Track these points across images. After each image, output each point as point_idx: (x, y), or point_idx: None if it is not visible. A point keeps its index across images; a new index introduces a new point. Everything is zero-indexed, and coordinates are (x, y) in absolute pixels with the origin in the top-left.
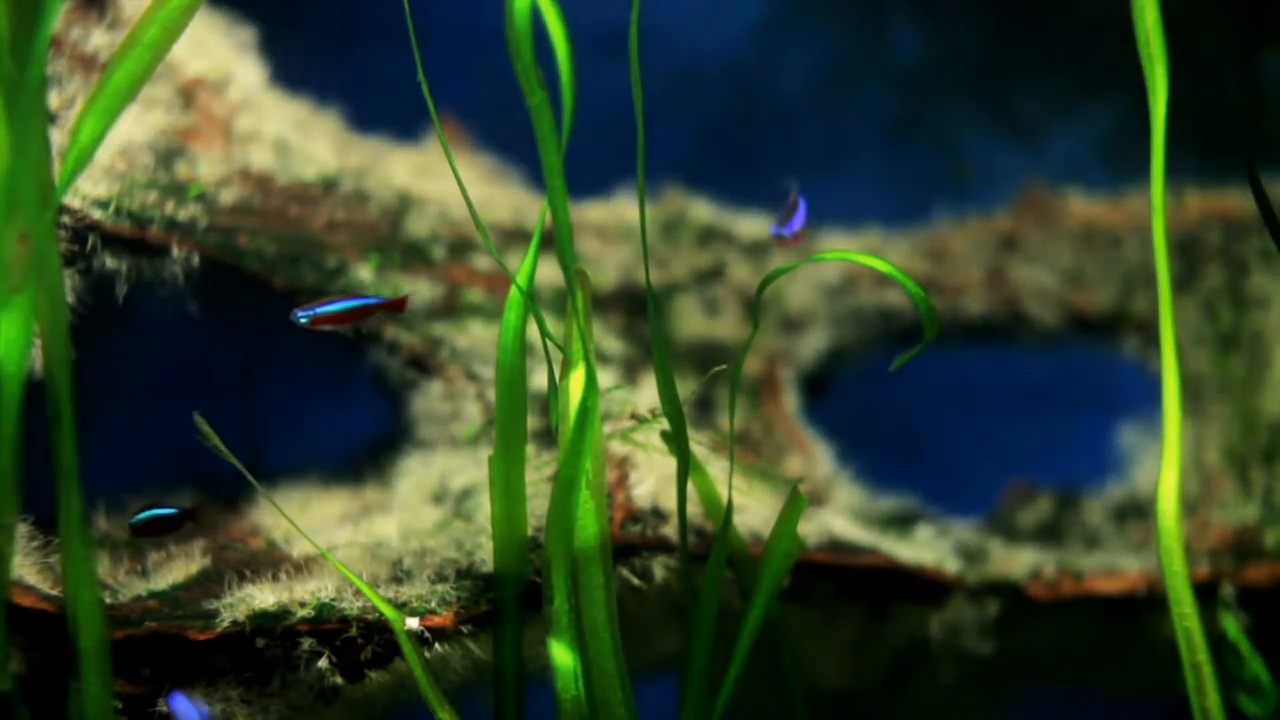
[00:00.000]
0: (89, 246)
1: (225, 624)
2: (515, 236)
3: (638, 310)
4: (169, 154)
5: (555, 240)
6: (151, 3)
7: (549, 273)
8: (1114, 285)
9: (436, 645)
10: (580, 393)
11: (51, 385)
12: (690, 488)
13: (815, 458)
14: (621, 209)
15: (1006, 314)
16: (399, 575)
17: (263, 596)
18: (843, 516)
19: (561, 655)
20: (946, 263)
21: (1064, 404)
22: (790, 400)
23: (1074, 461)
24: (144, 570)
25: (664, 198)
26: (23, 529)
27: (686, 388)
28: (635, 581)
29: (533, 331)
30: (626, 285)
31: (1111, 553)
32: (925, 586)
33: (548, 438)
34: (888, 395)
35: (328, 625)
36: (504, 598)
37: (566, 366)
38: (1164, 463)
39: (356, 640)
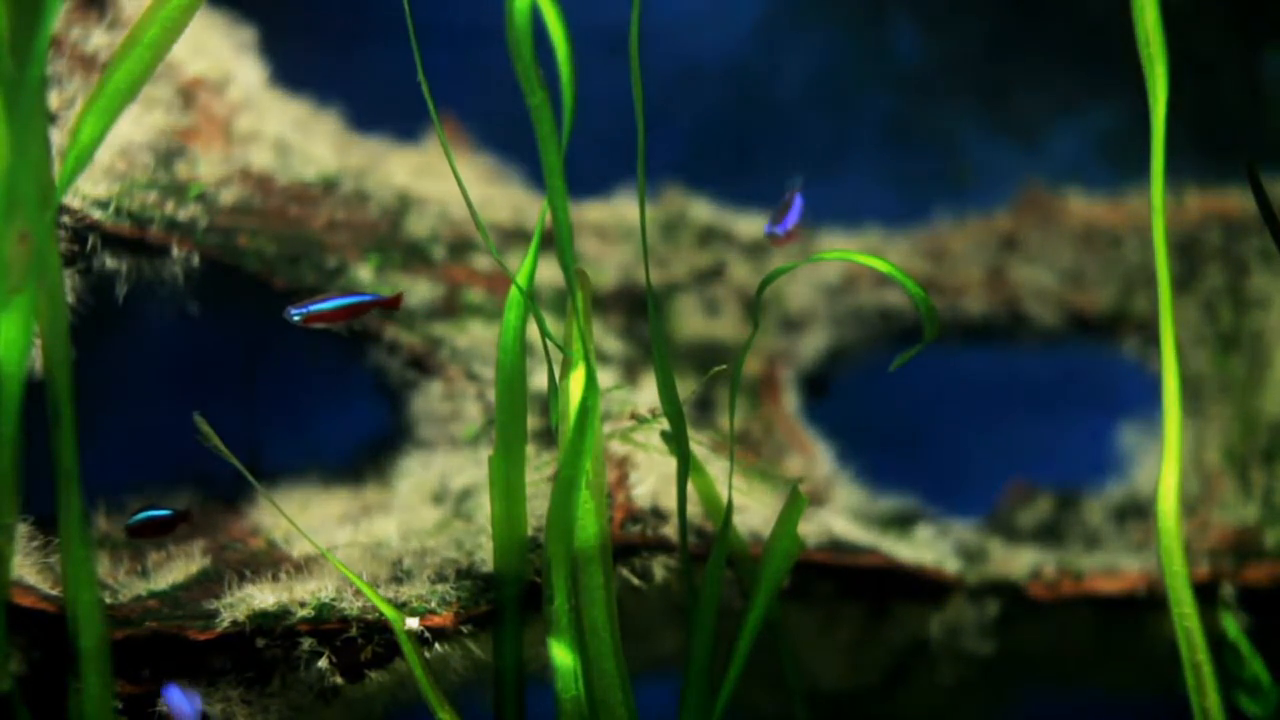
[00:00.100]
0: (89, 246)
1: (225, 624)
2: (515, 236)
3: (638, 310)
4: (169, 154)
5: (555, 240)
6: (151, 3)
7: (549, 273)
8: (1114, 285)
9: (436, 645)
10: (580, 393)
11: (51, 385)
12: (690, 488)
13: (815, 458)
14: (621, 209)
15: (1006, 314)
16: (399, 575)
17: (263, 596)
18: (843, 516)
19: (561, 655)
20: (946, 263)
21: (1064, 404)
22: (790, 400)
23: (1074, 461)
24: (144, 570)
25: (664, 198)
26: (23, 529)
27: (686, 388)
28: (635, 581)
29: (533, 331)
30: (626, 285)
31: (1111, 553)
32: (925, 586)
33: (548, 438)
34: (888, 395)
35: (328, 625)
36: (504, 598)
37: (566, 366)
38: (1164, 463)
39: (356, 640)
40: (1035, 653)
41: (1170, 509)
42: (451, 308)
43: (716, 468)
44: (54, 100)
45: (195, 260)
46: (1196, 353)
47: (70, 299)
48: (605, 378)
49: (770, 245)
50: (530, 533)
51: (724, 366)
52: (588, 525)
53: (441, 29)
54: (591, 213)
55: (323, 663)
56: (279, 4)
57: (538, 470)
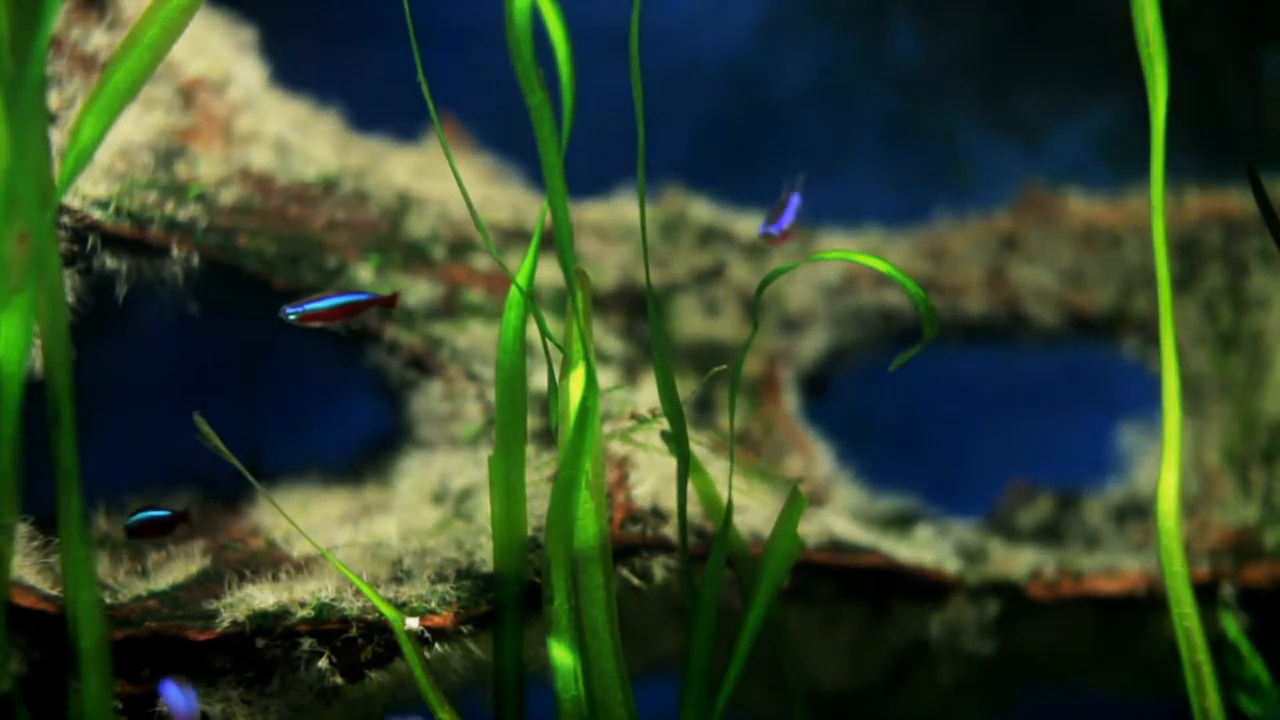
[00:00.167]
0: (89, 246)
1: (225, 624)
2: (515, 236)
3: (638, 310)
4: (169, 154)
5: (555, 240)
6: (151, 3)
7: (549, 273)
8: (1114, 285)
9: (436, 645)
10: (580, 393)
11: (51, 385)
12: (690, 488)
13: (815, 458)
14: (621, 209)
15: (1006, 314)
16: (399, 575)
17: (263, 596)
18: (843, 516)
19: (561, 655)
20: (946, 263)
21: (1064, 404)
22: (790, 400)
23: (1074, 461)
24: (144, 570)
25: (664, 198)
26: (23, 529)
27: (686, 388)
28: (635, 581)
29: (533, 331)
30: (626, 285)
31: (1111, 553)
32: (925, 586)
33: (548, 438)
34: (888, 395)
35: (328, 625)
36: (504, 598)
37: (566, 366)
38: (1164, 463)
39: (356, 640)
40: (1035, 653)
41: (1170, 509)
42: (451, 308)
43: (716, 468)
44: (54, 100)
45: (195, 260)
46: (1196, 353)
47: (70, 299)
48: (605, 378)
49: (766, 245)
50: (530, 533)
51: (724, 366)
52: (588, 525)
53: (441, 29)
54: (591, 213)
55: (323, 663)
56: (279, 4)
57: (538, 470)
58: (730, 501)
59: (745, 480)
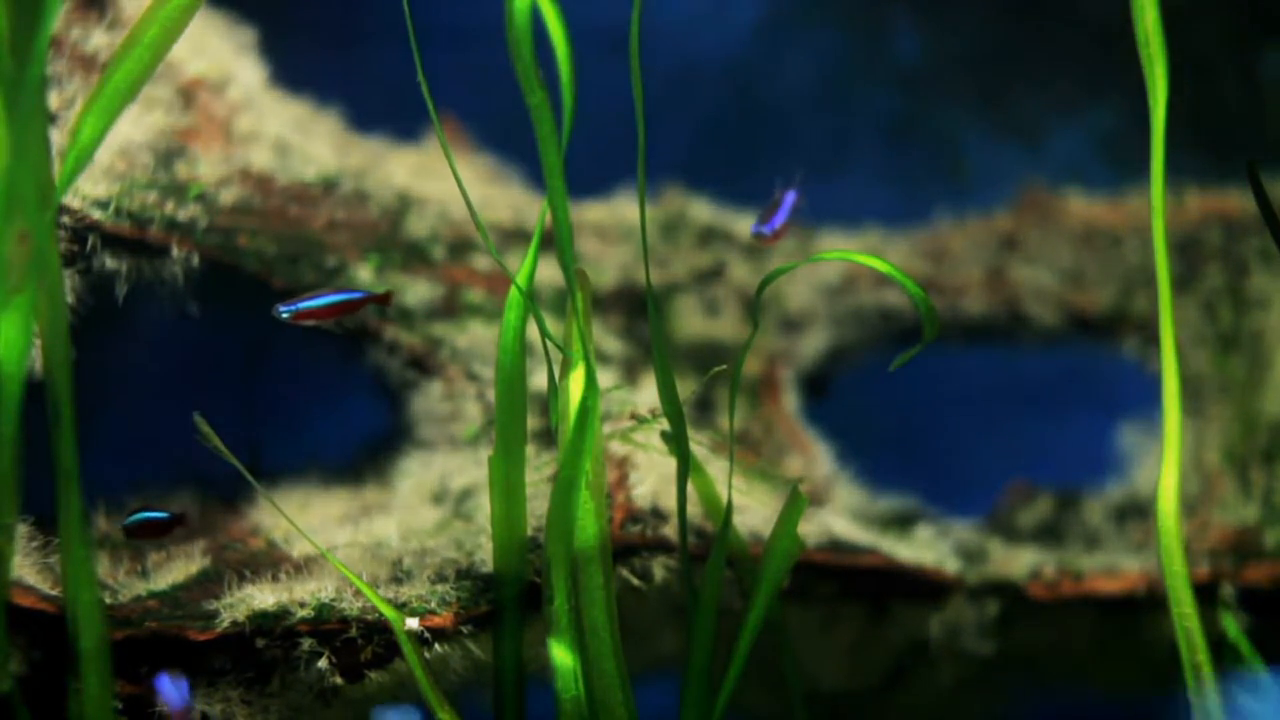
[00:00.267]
0: (89, 246)
1: (225, 624)
2: (515, 236)
3: (638, 310)
4: (169, 154)
5: (555, 240)
6: (151, 3)
7: (549, 273)
8: (1114, 285)
9: (436, 645)
10: (580, 393)
11: (51, 385)
12: (690, 488)
13: (815, 458)
14: (621, 209)
15: (1006, 314)
16: (399, 575)
17: (262, 597)
18: (843, 516)
19: (561, 655)
20: (946, 263)
21: (1064, 404)
22: (790, 400)
23: (1074, 461)
24: (144, 570)
25: (664, 198)
26: (23, 529)
27: (686, 388)
28: (635, 582)
29: (533, 331)
30: (626, 285)
31: (1111, 553)
32: (925, 586)
33: (548, 438)
34: (888, 395)
35: (328, 625)
36: (504, 598)
37: (566, 366)
38: (1164, 463)
39: (356, 640)
40: (1035, 653)
41: (1170, 509)
42: (451, 308)
43: (716, 468)
44: (54, 100)
45: (195, 260)
46: (1196, 353)
47: (70, 299)
48: (605, 378)
49: (759, 245)
50: (530, 533)
51: (724, 366)
52: (587, 525)
53: (441, 29)
54: (591, 213)
55: (322, 663)
56: (279, 4)
57: (538, 470)
58: (730, 501)
59: (745, 480)
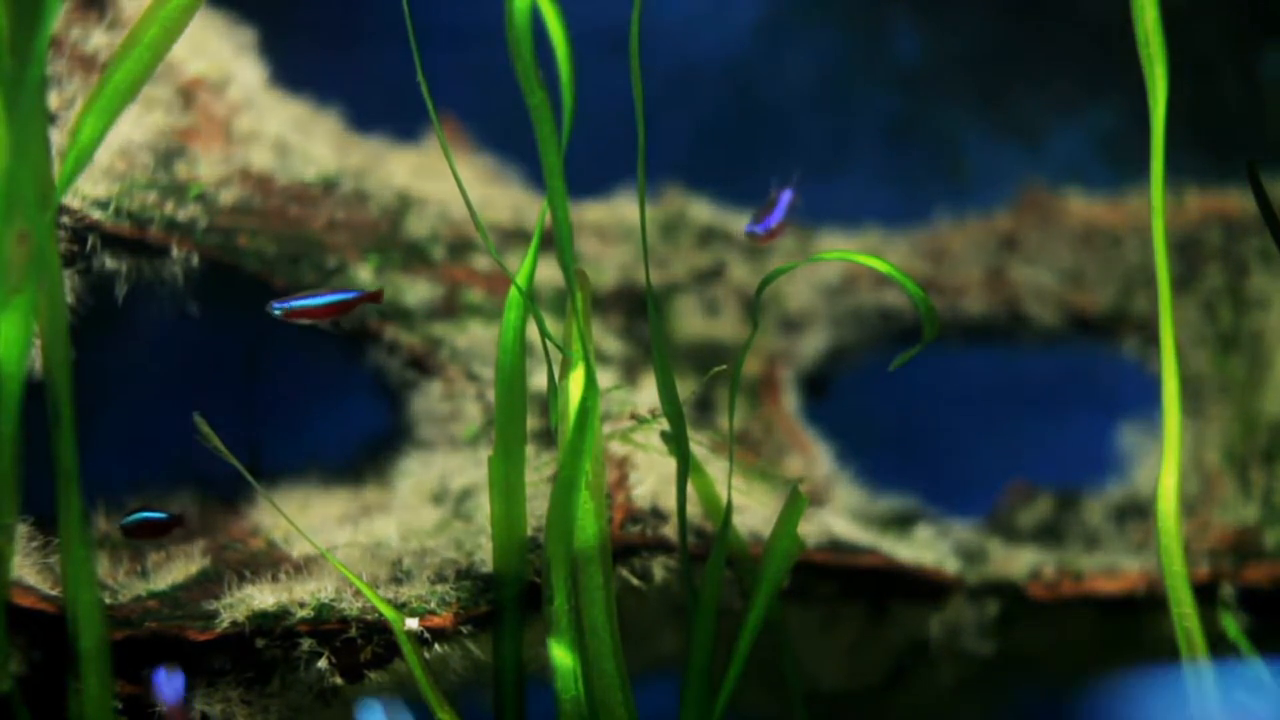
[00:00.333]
0: (89, 246)
1: (225, 624)
2: (515, 236)
3: (638, 310)
4: (169, 154)
5: (555, 240)
6: (151, 3)
7: (549, 273)
8: (1114, 285)
9: (436, 646)
10: (580, 393)
11: (51, 385)
12: (690, 488)
13: (815, 458)
14: (621, 209)
15: (1006, 314)
16: (399, 576)
17: (262, 597)
18: (843, 516)
19: (561, 655)
20: (946, 263)
21: (1064, 404)
22: (790, 400)
23: (1074, 461)
24: (144, 570)
25: (664, 198)
26: (23, 529)
27: (686, 388)
28: (635, 582)
29: (532, 331)
30: (626, 285)
31: (1111, 553)
32: (925, 586)
33: (548, 438)
34: (888, 395)
35: (327, 626)
36: (503, 598)
37: (566, 367)
38: (1164, 463)
39: (356, 641)
40: (1035, 653)
41: (1170, 509)
42: (451, 308)
43: (716, 468)
44: (54, 100)
45: (195, 260)
46: (1196, 353)
47: (70, 299)
48: (605, 378)
49: (754, 244)
50: (530, 533)
51: (724, 366)
52: (587, 526)
53: (441, 29)
54: (591, 213)
55: (322, 663)
56: (279, 4)
57: (537, 470)
58: (730, 501)
59: (745, 480)
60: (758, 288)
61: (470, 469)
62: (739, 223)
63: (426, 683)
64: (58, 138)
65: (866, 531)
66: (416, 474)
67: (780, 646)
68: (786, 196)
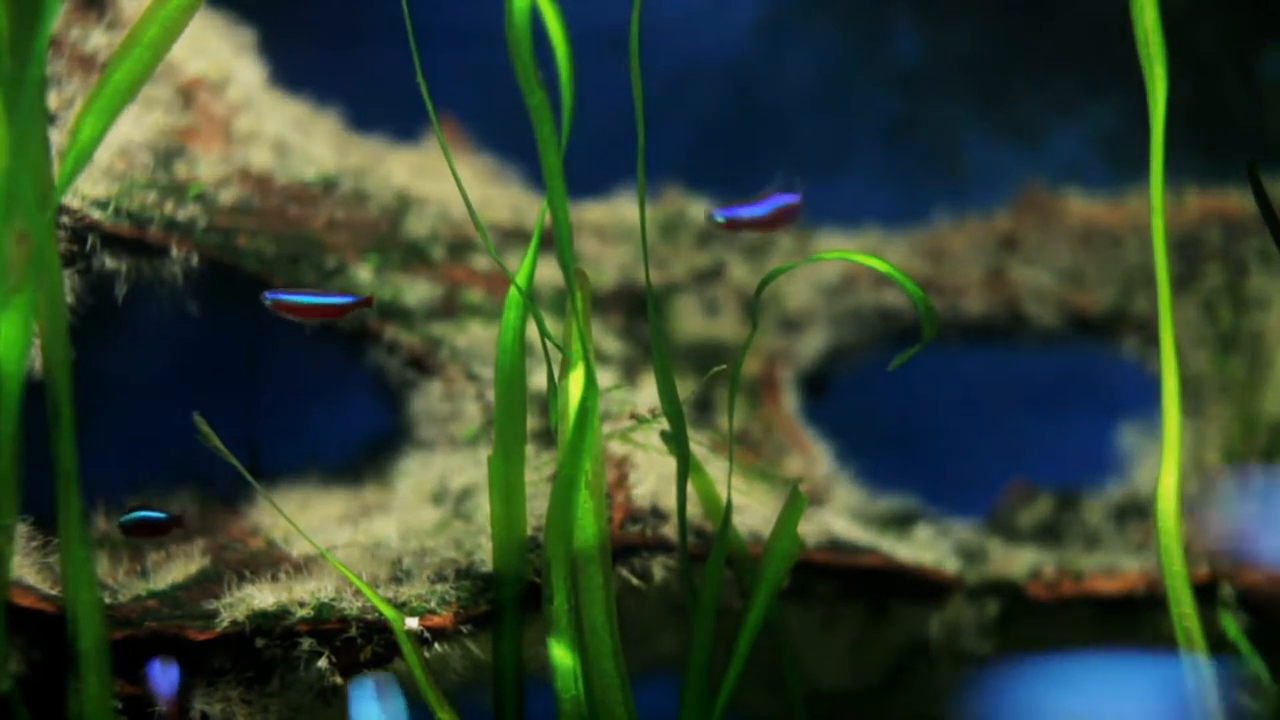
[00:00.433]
0: (88, 246)
1: (225, 624)
2: (515, 236)
3: (637, 310)
4: (168, 154)
5: (555, 240)
6: (151, 3)
7: (548, 273)
8: (1114, 285)
9: (436, 645)
10: (580, 393)
11: (51, 385)
12: (690, 488)
13: (815, 458)
14: (621, 209)
15: (1006, 314)
16: (398, 575)
17: (262, 596)
18: (843, 516)
19: (561, 655)
20: (946, 263)
21: (1064, 404)
22: (790, 400)
23: (1074, 461)
24: (144, 570)
25: (664, 198)
26: (23, 529)
27: (686, 388)
28: (635, 581)
29: (532, 331)
30: (626, 285)
31: (1111, 553)
32: (925, 586)
33: (547, 438)
34: (888, 395)
35: (327, 625)
36: (503, 598)
37: (566, 366)
38: (1164, 463)
39: (356, 640)
40: (1035, 653)
41: (1170, 509)
42: (451, 308)
43: (716, 468)
44: (54, 100)
45: (195, 260)
46: (1196, 353)
47: (70, 299)
48: (605, 378)
49: (711, 229)
50: (530, 533)
51: (724, 366)
52: (587, 525)
53: (441, 29)
54: (591, 213)
55: (322, 662)
56: (279, 4)
57: (537, 470)
58: (730, 501)
59: (745, 480)
60: (757, 287)
61: (470, 469)
62: None
63: (426, 682)
64: (57, 138)
65: (866, 531)
66: (416, 474)
67: (780, 646)
68: (775, 200)
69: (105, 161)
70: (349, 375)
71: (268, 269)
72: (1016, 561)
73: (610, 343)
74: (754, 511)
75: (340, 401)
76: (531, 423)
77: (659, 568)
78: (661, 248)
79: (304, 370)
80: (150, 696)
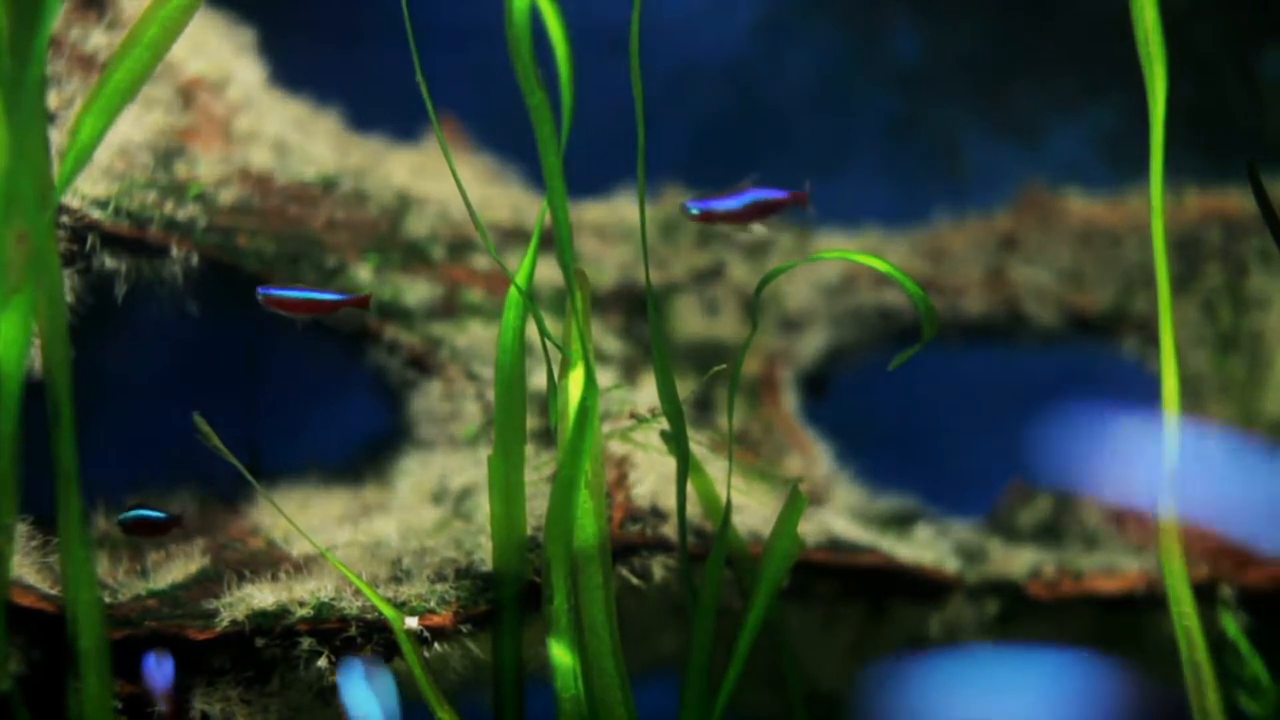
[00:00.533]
0: (88, 246)
1: (225, 623)
2: (514, 236)
3: (637, 310)
4: (168, 154)
5: (555, 240)
6: (151, 3)
7: (548, 273)
8: (1114, 285)
9: (436, 644)
10: (579, 392)
11: (51, 385)
12: (690, 487)
13: (815, 458)
14: (621, 209)
15: (1006, 314)
16: (398, 575)
17: (262, 596)
18: (842, 516)
19: (561, 655)
20: (946, 263)
21: (1064, 404)
22: (790, 400)
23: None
24: (144, 570)
25: (664, 198)
26: (23, 529)
27: (686, 388)
28: (635, 581)
29: (532, 331)
30: (626, 285)
31: (1111, 552)
32: (925, 586)
33: (547, 438)
34: (888, 395)
35: (327, 625)
36: (503, 597)
37: (565, 366)
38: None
39: (356, 640)
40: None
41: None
42: (451, 308)
43: (716, 468)
44: (54, 100)
45: (194, 260)
46: (1196, 353)
47: (70, 299)
48: (604, 377)
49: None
50: (529, 532)
51: (723, 366)
52: (587, 525)
53: (441, 29)
54: (591, 213)
55: (322, 662)
56: (279, 4)
57: (537, 470)
58: (729, 501)
59: (744, 480)
60: (757, 287)
61: (470, 468)
62: None
63: (426, 681)
64: (57, 137)
65: (866, 531)
66: (416, 473)
67: (780, 646)
68: (751, 193)
69: (105, 161)
70: (349, 375)
71: (268, 269)
72: (1016, 561)
73: (610, 342)
74: (754, 511)
75: (340, 401)
76: (531, 422)
77: (659, 567)
78: (661, 248)
79: (304, 370)
80: (150, 696)
